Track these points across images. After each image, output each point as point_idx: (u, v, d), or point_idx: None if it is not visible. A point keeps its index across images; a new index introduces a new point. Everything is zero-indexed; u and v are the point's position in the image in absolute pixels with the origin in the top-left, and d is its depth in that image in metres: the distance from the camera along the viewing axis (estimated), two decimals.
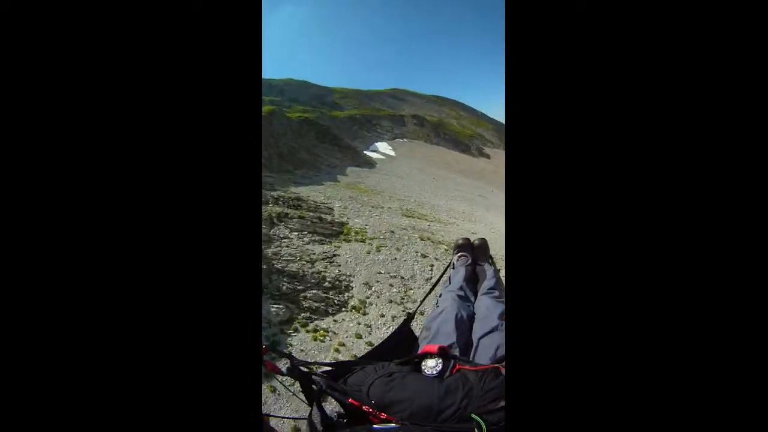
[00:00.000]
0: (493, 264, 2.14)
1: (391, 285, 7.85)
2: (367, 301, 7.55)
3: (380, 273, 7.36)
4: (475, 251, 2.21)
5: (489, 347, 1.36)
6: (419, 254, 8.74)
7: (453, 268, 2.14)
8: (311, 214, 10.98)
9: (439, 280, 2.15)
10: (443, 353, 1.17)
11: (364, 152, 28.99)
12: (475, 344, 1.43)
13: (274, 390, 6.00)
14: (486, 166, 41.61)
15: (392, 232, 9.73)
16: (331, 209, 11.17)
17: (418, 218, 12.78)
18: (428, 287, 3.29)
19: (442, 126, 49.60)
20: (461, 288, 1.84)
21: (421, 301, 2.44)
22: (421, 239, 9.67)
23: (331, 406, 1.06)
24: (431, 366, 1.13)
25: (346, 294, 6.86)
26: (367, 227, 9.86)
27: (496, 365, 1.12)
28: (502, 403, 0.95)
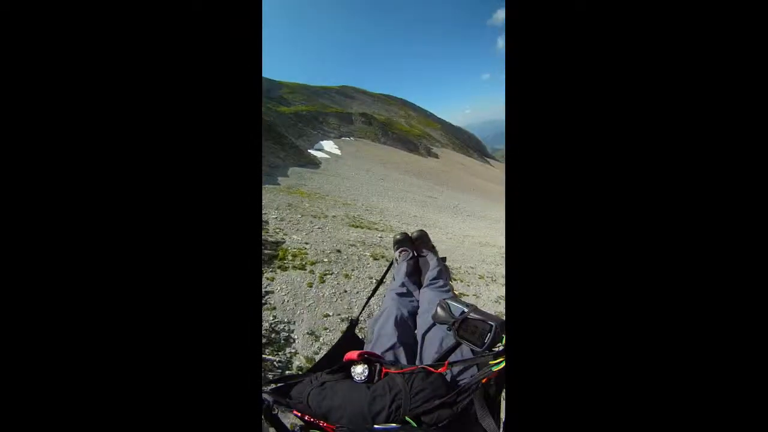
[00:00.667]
0: (435, 253, 2.12)
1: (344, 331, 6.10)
2: (316, 358, 5.76)
3: (328, 316, 5.65)
4: (415, 243, 2.18)
5: (433, 341, 1.35)
6: (374, 280, 7.05)
7: (396, 264, 2.10)
8: None
9: (382, 280, 2.05)
10: (367, 358, 1.19)
11: (309, 151, 27.06)
12: (419, 340, 1.42)
13: None
14: (435, 165, 41.17)
15: (338, 251, 8.02)
16: (266, 223, 9.22)
17: (368, 228, 11.26)
18: (372, 287, 2.86)
19: (390, 125, 48.66)
20: (402, 284, 1.81)
21: (365, 305, 2.11)
22: (374, 258, 8.04)
23: (289, 419, 1.03)
24: (359, 372, 1.14)
25: (287, 350, 5.07)
26: (307, 246, 8.05)
27: (423, 366, 1.12)
28: (436, 402, 0.96)
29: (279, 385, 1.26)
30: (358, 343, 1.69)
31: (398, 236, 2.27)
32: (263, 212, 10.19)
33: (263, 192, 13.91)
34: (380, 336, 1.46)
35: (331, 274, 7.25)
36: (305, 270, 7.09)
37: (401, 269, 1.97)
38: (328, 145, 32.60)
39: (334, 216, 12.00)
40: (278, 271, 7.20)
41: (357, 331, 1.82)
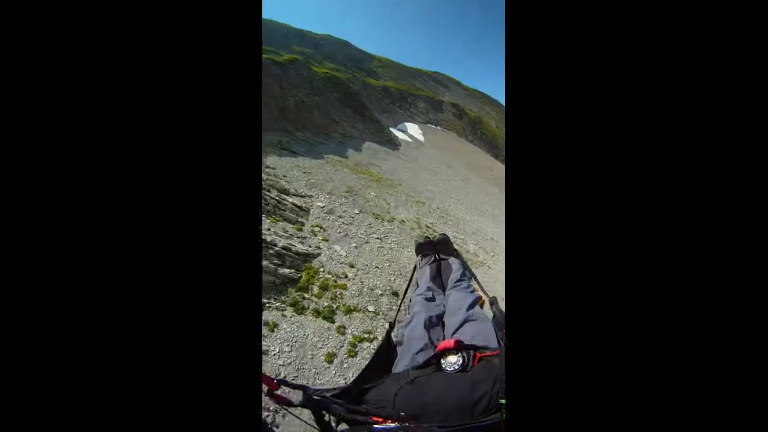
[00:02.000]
0: (458, 256, 2.15)
1: None
2: None
3: None
4: (437, 247, 2.20)
5: (464, 340, 1.33)
6: None
7: (419, 269, 2.12)
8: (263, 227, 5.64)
9: (408, 287, 2.07)
10: (461, 346, 1.18)
11: (390, 129, 24.09)
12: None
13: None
14: None
15: (395, 293, 4.85)
16: (306, 212, 6.36)
17: None
18: (401, 297, 2.44)
19: (480, 123, 44.35)
20: (428, 288, 1.84)
21: (398, 311, 2.06)
22: None
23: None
24: (453, 362, 1.13)
25: None
26: (351, 272, 4.98)
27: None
28: None
29: (335, 392, 1.12)
30: (394, 349, 1.57)
31: (420, 240, 2.30)
32: (307, 195, 7.46)
33: (321, 163, 11.20)
34: (411, 339, 1.46)
35: (373, 338, 4.20)
36: (332, 321, 4.01)
37: (425, 274, 2.00)
38: (412, 129, 29.54)
39: (402, 221, 8.88)
40: (289, 310, 3.88)
41: (393, 336, 1.72)
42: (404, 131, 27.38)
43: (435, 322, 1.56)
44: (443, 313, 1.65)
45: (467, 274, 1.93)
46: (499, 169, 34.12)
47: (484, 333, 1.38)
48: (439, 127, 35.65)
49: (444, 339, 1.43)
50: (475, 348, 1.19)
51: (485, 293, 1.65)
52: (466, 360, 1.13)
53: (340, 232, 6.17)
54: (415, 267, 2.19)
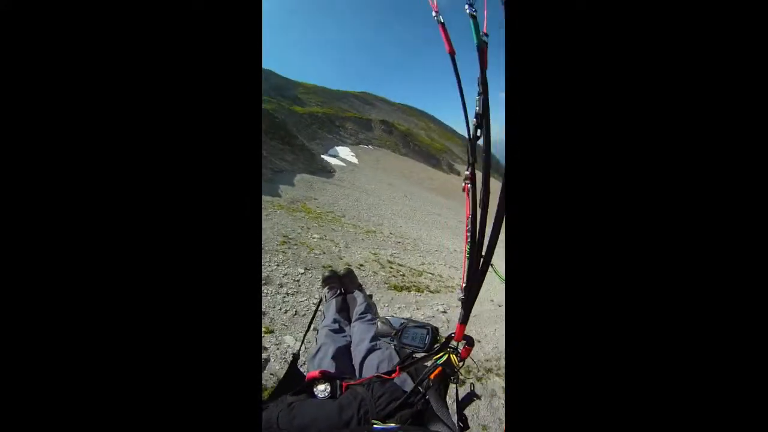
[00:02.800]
0: (362, 290, 2.20)
1: None
2: None
3: None
4: (343, 280, 2.26)
5: (370, 368, 1.44)
6: None
7: (325, 302, 2.17)
8: None
9: (313, 318, 2.17)
10: (327, 376, 1.25)
11: (322, 156, 22.87)
12: (357, 369, 1.51)
13: None
14: (458, 182, 36.80)
15: None
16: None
17: (416, 290, 6.85)
18: (306, 327, 2.55)
19: (411, 136, 44.57)
20: (335, 320, 1.90)
21: (303, 341, 2.16)
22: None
23: None
24: (322, 389, 1.21)
25: None
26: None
27: (378, 374, 1.21)
28: (396, 404, 1.05)
29: None
30: (301, 377, 1.64)
31: (326, 273, 2.33)
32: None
33: None
34: (319, 369, 1.47)
35: None
36: None
37: (331, 306, 2.05)
38: (344, 152, 28.53)
39: (360, 265, 7.54)
40: None
41: (300, 366, 1.85)
42: (336, 156, 26.31)
43: (342, 352, 1.62)
44: (349, 343, 1.71)
45: (371, 308, 2.00)
46: (439, 178, 34.05)
47: (388, 359, 1.44)
48: (371, 146, 35.05)
49: (354, 368, 1.52)
50: (341, 378, 1.25)
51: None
52: (333, 388, 1.20)
53: (285, 311, 4.71)
54: (320, 300, 2.24)
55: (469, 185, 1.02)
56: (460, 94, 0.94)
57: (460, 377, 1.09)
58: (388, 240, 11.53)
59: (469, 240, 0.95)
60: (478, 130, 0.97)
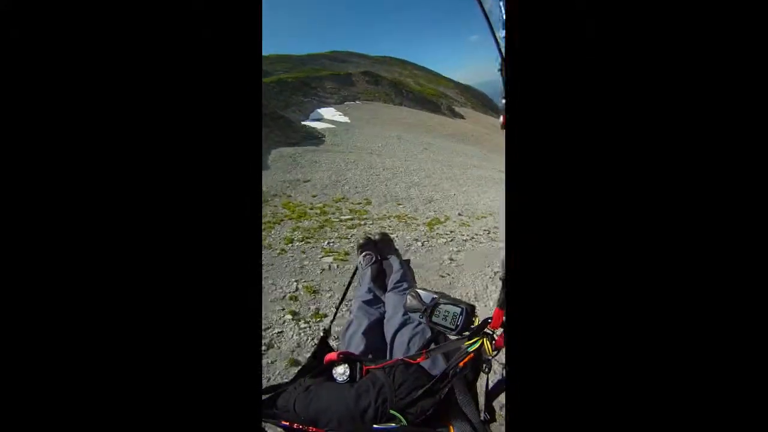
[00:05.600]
0: (399, 256, 2.07)
1: None
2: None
3: None
4: (378, 246, 2.12)
5: (401, 344, 1.38)
6: None
7: (361, 269, 2.05)
8: None
9: (348, 287, 1.97)
10: (347, 358, 1.18)
11: (303, 123, 17.14)
12: (389, 344, 1.44)
13: None
14: (470, 127, 31.11)
15: None
16: None
17: None
18: (339, 296, 2.57)
19: (400, 84, 38.25)
20: (369, 290, 1.82)
21: (335, 315, 1.98)
22: None
23: None
24: (341, 373, 1.14)
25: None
26: None
27: (403, 358, 1.13)
28: (419, 392, 0.97)
29: (263, 397, 1.19)
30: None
31: (361, 240, 2.20)
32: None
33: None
34: (350, 345, 1.48)
35: None
36: None
37: (366, 275, 1.95)
38: (330, 113, 22.69)
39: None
40: None
41: (331, 340, 1.78)
42: (320, 119, 20.57)
43: (373, 326, 1.54)
44: (382, 316, 1.63)
45: (407, 274, 1.86)
46: (449, 123, 28.33)
47: (420, 335, 1.37)
48: (358, 102, 28.99)
49: (386, 343, 1.45)
50: (362, 360, 1.18)
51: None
52: (353, 371, 1.14)
53: None
54: (356, 268, 2.03)
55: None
56: (490, 29, 0.88)
57: (493, 366, 0.95)
58: (471, 229, 6.18)
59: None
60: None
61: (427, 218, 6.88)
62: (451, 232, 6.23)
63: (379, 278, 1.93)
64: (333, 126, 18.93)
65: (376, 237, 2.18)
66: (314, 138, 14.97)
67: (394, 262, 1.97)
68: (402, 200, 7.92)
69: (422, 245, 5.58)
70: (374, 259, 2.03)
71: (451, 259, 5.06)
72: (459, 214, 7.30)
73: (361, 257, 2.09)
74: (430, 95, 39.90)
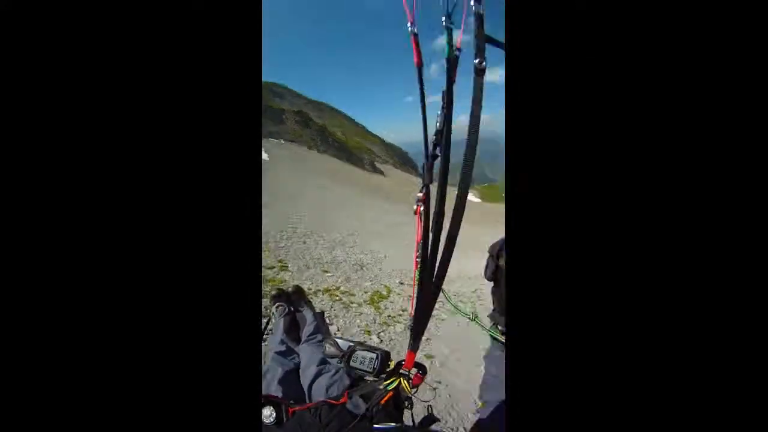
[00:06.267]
0: (311, 308, 2.04)
1: None
2: None
3: None
4: (291, 298, 2.09)
5: (319, 390, 1.39)
6: None
7: (274, 320, 2.04)
8: None
9: (262, 336, 1.90)
10: (271, 401, 1.19)
11: None
12: (306, 393, 1.45)
13: None
14: (390, 183, 31.52)
15: None
16: None
17: None
18: None
19: (328, 131, 38.08)
20: (282, 341, 1.83)
21: None
22: None
23: None
24: (267, 415, 1.15)
25: None
26: None
27: (325, 400, 1.16)
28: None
29: None
30: None
31: (274, 292, 2.18)
32: None
33: None
34: (268, 393, 1.48)
35: None
36: None
37: (279, 326, 1.93)
38: None
39: None
40: None
41: None
42: None
43: (289, 376, 1.55)
44: (297, 366, 1.62)
45: (321, 326, 1.86)
46: (372, 179, 28.34)
47: (338, 382, 1.36)
48: (283, 141, 27.77)
49: (304, 391, 1.46)
50: (287, 403, 1.17)
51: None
52: (279, 413, 1.14)
53: None
54: (269, 319, 1.98)
55: (421, 208, 0.95)
56: (422, 109, 0.90)
57: (414, 402, 1.01)
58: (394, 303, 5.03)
59: (419, 265, 0.90)
60: (437, 148, 0.92)
61: (365, 292, 5.55)
62: (404, 311, 5.01)
63: (292, 330, 1.93)
64: None
65: (290, 289, 2.20)
66: None
67: (307, 313, 1.98)
68: (328, 265, 6.54)
69: (380, 340, 4.16)
70: (287, 310, 2.03)
71: (441, 364, 3.80)
72: (400, 283, 6.16)
73: (273, 308, 2.09)
74: (354, 148, 40.34)
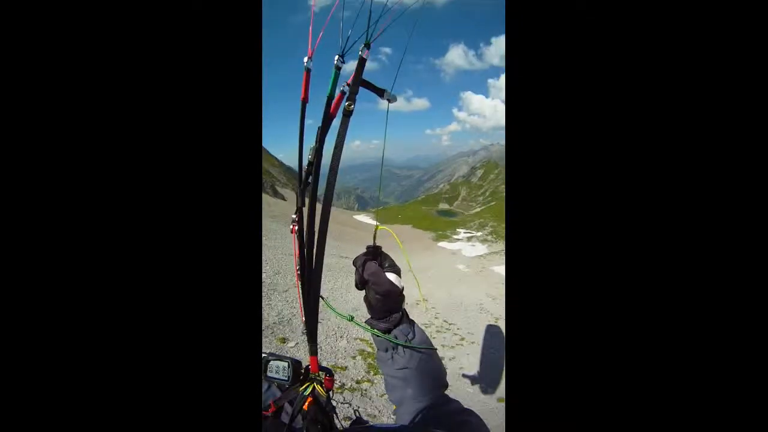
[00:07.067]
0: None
1: None
2: None
3: None
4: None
5: None
6: None
7: None
8: None
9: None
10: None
11: None
12: None
13: None
14: (293, 209, 31.92)
15: None
16: None
17: None
18: None
19: None
20: None
21: None
22: None
23: None
24: None
25: None
26: None
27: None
28: None
29: None
30: None
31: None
32: None
33: None
34: None
35: None
36: None
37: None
38: None
39: None
40: None
41: None
42: None
43: None
44: None
45: None
46: (276, 204, 28.60)
47: (266, 392, 1.25)
48: None
49: None
50: None
51: None
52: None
53: None
54: None
55: (296, 228, 0.99)
56: (299, 142, 0.92)
57: (334, 406, 1.00)
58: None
59: (300, 278, 0.94)
60: (309, 177, 0.98)
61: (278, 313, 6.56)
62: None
63: None
64: None
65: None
66: None
67: None
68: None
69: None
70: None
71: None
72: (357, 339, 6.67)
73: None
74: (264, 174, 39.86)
